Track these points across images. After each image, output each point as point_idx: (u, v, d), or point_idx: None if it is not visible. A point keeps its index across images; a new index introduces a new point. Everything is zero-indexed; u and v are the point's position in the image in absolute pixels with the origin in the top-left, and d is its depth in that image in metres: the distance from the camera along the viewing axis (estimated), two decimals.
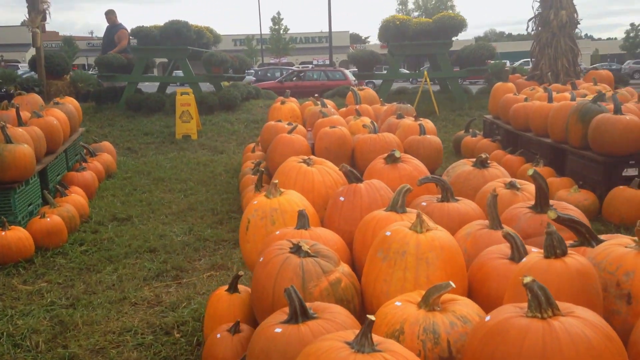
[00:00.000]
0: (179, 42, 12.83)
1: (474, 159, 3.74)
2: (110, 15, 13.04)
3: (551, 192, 5.61)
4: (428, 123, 6.16)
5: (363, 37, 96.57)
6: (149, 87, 16.00)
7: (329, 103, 7.69)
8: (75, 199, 5.99)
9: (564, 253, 1.94)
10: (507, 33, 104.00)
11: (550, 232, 1.95)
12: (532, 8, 12.00)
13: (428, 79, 12.78)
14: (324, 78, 26.27)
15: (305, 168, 3.45)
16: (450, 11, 13.90)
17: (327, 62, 47.62)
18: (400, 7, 77.31)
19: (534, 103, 7.42)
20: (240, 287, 3.55)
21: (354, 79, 26.95)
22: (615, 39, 78.28)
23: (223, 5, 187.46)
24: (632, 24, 63.04)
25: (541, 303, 1.62)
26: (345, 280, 2.30)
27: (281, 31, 61.50)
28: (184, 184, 7.76)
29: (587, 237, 2.44)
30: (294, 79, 26.20)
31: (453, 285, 1.91)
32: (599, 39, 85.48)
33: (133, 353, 3.52)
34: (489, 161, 3.69)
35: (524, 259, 2.02)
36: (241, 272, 3.51)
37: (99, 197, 7.04)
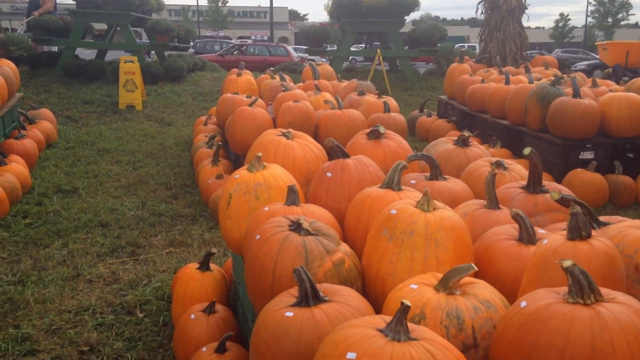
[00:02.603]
0: (122, 7, 12.13)
1: (455, 137, 3.65)
2: None
3: None
4: (391, 101, 6.07)
5: (301, 14, 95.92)
6: (84, 54, 15.16)
7: (286, 77, 7.46)
8: (16, 168, 5.56)
9: (589, 235, 1.86)
10: (442, 18, 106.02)
11: (576, 214, 1.87)
12: None
13: (381, 58, 12.68)
14: (265, 53, 25.85)
15: (285, 142, 3.25)
16: None
17: (266, 37, 46.84)
18: None
19: (491, 85, 7.47)
20: (212, 265, 3.37)
21: (296, 55, 26.65)
22: (543, 28, 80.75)
23: None
24: (561, 14, 65.34)
25: (583, 288, 1.53)
26: (348, 261, 2.15)
27: (219, 3, 59.87)
28: (132, 156, 7.37)
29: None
30: (235, 52, 25.60)
31: (475, 267, 1.80)
32: (528, 28, 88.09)
33: (93, 334, 3.28)
34: (470, 140, 3.62)
35: (546, 241, 1.93)
36: (214, 250, 3.32)
37: (40, 167, 6.58)
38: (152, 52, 16.01)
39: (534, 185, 2.78)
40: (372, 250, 2.20)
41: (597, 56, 23.72)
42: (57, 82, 11.40)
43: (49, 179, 6.08)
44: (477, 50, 16.11)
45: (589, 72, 18.86)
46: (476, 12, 12.34)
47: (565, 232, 1.91)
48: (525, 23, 11.92)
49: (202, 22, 57.07)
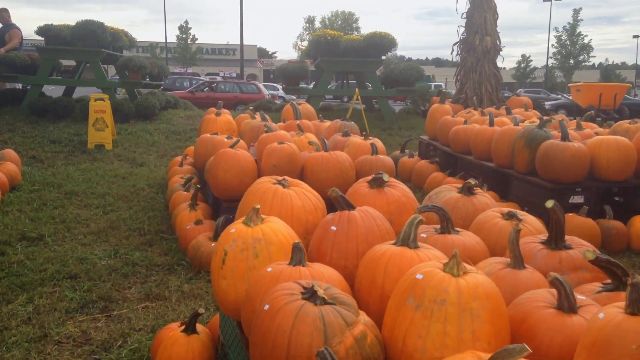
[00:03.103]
0: (93, 43, 11.83)
1: (459, 185, 3.44)
2: (3, 14, 11.84)
3: None
4: (378, 142, 5.89)
5: (270, 52, 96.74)
6: (51, 91, 14.71)
7: (267, 117, 7.23)
8: None
9: None
10: (407, 57, 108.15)
11: (636, 284, 1.64)
12: (458, 33, 12.20)
13: (359, 97, 12.59)
14: (237, 90, 25.73)
15: (282, 191, 2.99)
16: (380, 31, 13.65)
17: (235, 74, 46.84)
18: (308, 25, 77.76)
19: (475, 126, 7.36)
20: (198, 326, 3.04)
21: (267, 92, 26.59)
22: (504, 68, 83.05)
23: (125, 10, 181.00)
24: (523, 55, 67.50)
25: None
26: (370, 334, 1.87)
27: (189, 40, 59.87)
28: (102, 199, 6.97)
29: (623, 281, 2.17)
30: (206, 89, 25.42)
31: (528, 349, 1.54)
32: None
33: None
34: (475, 188, 3.42)
35: (602, 315, 1.69)
36: (202, 310, 2.99)
37: (2, 212, 6.14)
38: (119, 89, 15.70)
39: (555, 241, 2.57)
40: (396, 321, 1.93)
41: (559, 96, 24.30)
42: (22, 121, 10.94)
43: (12, 226, 5.66)
44: (444, 89, 16.27)
45: (553, 111, 19.43)
46: (452, 54, 12.44)
47: (621, 304, 1.69)
48: (499, 64, 12.04)
49: (170, 59, 56.85)
